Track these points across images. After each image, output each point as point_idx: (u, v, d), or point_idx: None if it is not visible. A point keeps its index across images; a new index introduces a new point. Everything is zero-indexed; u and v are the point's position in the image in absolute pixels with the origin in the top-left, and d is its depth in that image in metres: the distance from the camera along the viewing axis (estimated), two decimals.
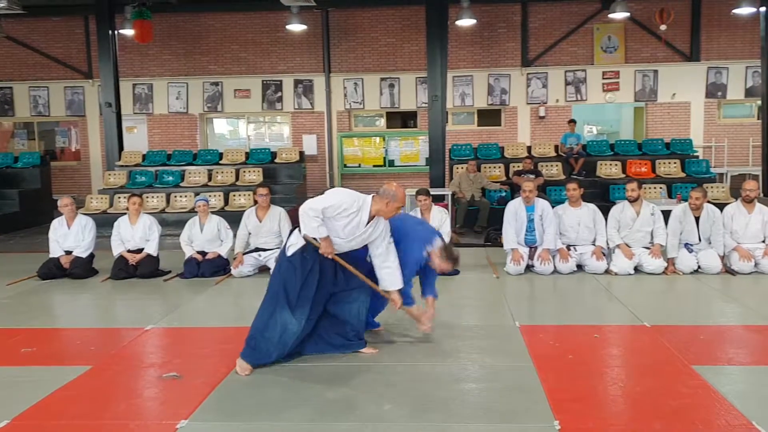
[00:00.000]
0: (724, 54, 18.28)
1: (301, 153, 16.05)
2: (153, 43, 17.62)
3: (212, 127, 20.52)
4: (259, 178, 14.35)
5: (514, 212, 8.50)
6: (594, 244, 8.37)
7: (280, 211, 8.62)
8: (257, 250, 8.62)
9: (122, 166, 15.09)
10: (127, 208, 8.97)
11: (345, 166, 19.27)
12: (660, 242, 8.23)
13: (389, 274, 5.16)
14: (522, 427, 3.88)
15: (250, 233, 8.64)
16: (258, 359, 4.88)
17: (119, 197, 13.31)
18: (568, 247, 8.40)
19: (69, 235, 8.78)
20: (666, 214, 8.47)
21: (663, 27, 17.47)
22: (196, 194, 12.62)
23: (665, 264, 8.18)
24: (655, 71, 18.41)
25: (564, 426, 3.83)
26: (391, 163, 19.12)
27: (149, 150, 16.91)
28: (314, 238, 4.90)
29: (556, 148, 15.19)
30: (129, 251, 8.69)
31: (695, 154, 14.96)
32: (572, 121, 15.49)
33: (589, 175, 14.03)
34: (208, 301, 7.38)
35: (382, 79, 18.85)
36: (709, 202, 8.57)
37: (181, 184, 14.39)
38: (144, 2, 15.29)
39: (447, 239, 8.55)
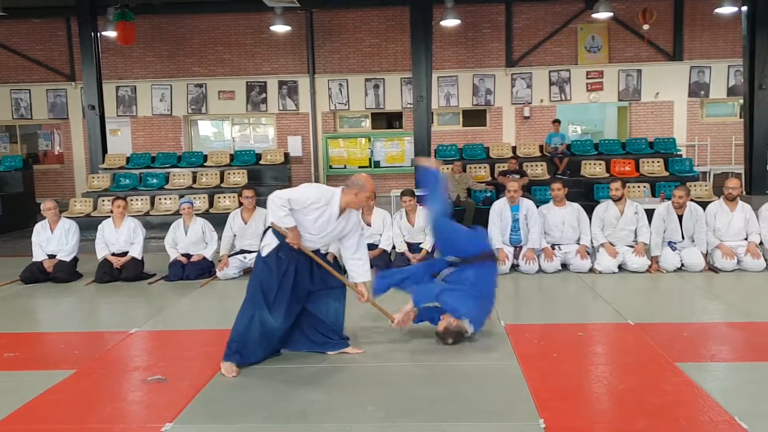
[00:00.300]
0: (706, 53, 18.43)
1: (286, 154, 16.04)
2: (136, 44, 17.55)
3: (196, 129, 20.44)
4: (244, 180, 14.32)
5: (500, 212, 8.54)
6: (578, 243, 8.42)
7: (265, 213, 8.57)
8: (242, 252, 8.60)
9: (106, 168, 15.00)
10: (112, 211, 8.93)
11: (330, 167, 19.25)
12: (644, 241, 8.29)
13: (359, 266, 5.20)
14: (507, 426, 3.88)
15: (235, 235, 8.61)
16: (244, 360, 4.88)
17: (103, 200, 13.23)
18: (553, 246, 8.44)
19: (52, 239, 8.72)
20: (650, 213, 8.53)
21: (646, 27, 17.57)
22: (181, 197, 12.55)
23: (649, 262, 8.23)
24: (639, 71, 18.52)
25: (549, 424, 3.84)
26: (377, 164, 19.11)
27: (133, 152, 16.79)
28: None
29: (541, 148, 15.25)
30: (113, 254, 8.64)
31: (678, 153, 15.08)
32: (557, 121, 15.54)
33: (574, 174, 14.08)
34: (193, 303, 7.35)
35: (367, 80, 18.85)
36: (692, 200, 8.62)
37: (166, 187, 14.33)
38: (126, 4, 15.22)
39: (432, 240, 8.61)
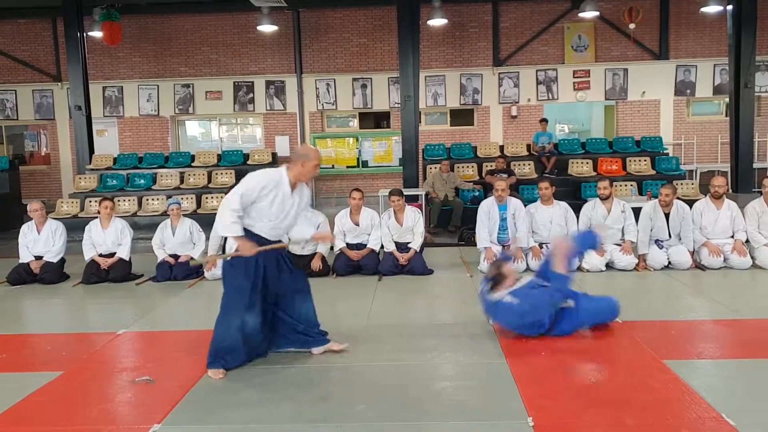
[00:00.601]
0: (692, 52, 18.51)
1: (274, 154, 16.01)
2: (122, 45, 17.46)
3: (184, 129, 20.34)
4: (232, 180, 14.27)
5: (487, 211, 8.56)
6: None
7: None
8: None
9: (93, 169, 14.92)
10: (99, 212, 8.89)
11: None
12: (631, 239, 8.33)
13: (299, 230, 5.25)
14: (496, 424, 3.89)
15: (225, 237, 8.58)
16: (228, 365, 4.88)
17: (90, 201, 13.17)
18: (541, 245, 8.46)
19: (39, 240, 8.67)
20: (636, 212, 8.58)
21: (632, 26, 17.64)
22: (168, 197, 12.48)
23: (636, 260, 8.27)
24: (625, 70, 18.59)
25: (538, 422, 3.86)
26: (365, 164, 19.09)
27: (120, 153, 16.71)
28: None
29: (529, 147, 15.30)
30: (101, 255, 8.60)
31: (665, 151, 15.15)
32: (544, 120, 15.58)
33: (561, 173, 14.14)
34: (181, 304, 7.33)
35: (355, 80, 18.81)
36: (678, 198, 8.68)
37: (153, 187, 14.28)
38: (112, 4, 15.14)
39: (420, 239, 8.63)
